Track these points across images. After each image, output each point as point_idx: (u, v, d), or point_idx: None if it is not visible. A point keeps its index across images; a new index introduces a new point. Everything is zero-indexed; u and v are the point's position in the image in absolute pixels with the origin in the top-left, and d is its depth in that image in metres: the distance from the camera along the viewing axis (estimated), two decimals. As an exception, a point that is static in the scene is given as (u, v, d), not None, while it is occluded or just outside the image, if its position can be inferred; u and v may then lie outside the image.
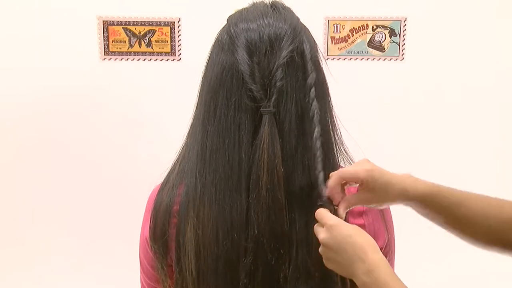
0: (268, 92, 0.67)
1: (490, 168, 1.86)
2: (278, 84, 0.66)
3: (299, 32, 0.70)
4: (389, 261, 0.81)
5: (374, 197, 0.69)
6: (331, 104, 0.76)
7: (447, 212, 0.71)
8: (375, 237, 0.75)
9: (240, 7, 0.76)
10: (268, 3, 0.74)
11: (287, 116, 0.68)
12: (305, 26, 0.74)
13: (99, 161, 1.80)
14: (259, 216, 0.66)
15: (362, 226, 0.73)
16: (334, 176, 0.67)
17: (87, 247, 1.85)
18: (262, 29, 0.68)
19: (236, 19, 0.71)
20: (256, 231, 0.66)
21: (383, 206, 0.72)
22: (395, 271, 0.85)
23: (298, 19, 0.73)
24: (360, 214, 0.73)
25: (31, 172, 1.80)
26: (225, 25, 0.74)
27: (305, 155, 0.69)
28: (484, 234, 0.72)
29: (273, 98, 0.67)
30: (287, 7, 0.74)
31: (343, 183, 0.69)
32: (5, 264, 1.85)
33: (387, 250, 0.79)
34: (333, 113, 0.76)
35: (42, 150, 1.78)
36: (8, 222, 1.83)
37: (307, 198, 0.68)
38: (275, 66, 0.67)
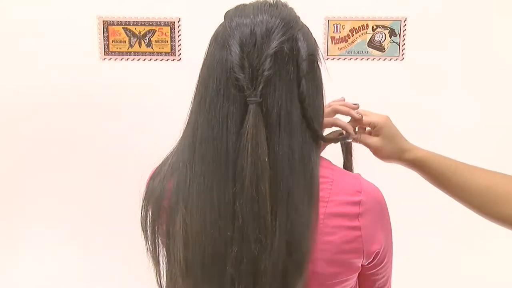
0: (255, 81, 0.67)
1: (492, 167, 1.86)
2: (265, 73, 0.66)
3: (292, 27, 0.70)
4: (387, 262, 0.81)
5: (380, 143, 0.90)
6: (324, 105, 0.76)
7: (440, 178, 0.88)
8: (371, 239, 0.75)
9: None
10: (271, 0, 0.75)
11: (275, 107, 0.68)
12: (304, 25, 0.74)
13: (99, 161, 1.80)
14: (243, 207, 0.66)
15: (357, 228, 0.73)
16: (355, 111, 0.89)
17: (87, 248, 1.85)
18: (255, 24, 0.69)
19: (232, 15, 0.72)
20: (240, 222, 0.66)
21: (385, 159, 0.90)
22: (392, 269, 0.86)
23: (297, 17, 0.73)
24: (356, 216, 0.73)
25: (30, 171, 1.80)
26: (223, 21, 0.75)
27: (292, 148, 0.69)
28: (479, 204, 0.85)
29: (259, 88, 0.66)
30: (289, 6, 0.75)
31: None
32: (4, 265, 1.86)
33: (386, 250, 0.79)
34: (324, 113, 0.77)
35: (42, 150, 1.78)
36: (9, 222, 1.83)
37: (291, 189, 0.68)
38: (264, 56, 0.67)
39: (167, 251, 0.73)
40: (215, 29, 0.75)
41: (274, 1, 0.74)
